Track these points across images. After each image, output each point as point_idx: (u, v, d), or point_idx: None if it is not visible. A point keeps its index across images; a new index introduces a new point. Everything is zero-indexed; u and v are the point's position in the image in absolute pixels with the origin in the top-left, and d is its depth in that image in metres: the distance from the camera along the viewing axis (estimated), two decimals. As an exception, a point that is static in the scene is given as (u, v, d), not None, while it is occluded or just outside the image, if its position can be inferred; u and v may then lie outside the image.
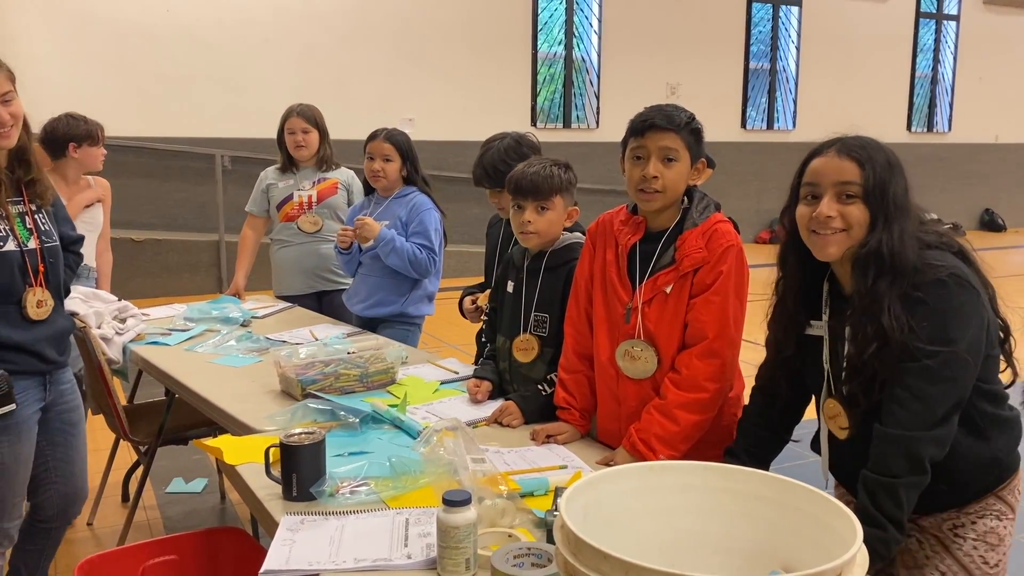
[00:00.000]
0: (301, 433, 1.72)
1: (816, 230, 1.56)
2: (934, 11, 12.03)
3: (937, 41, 12.11)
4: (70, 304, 2.81)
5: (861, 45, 11.22)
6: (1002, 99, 12.36)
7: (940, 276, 1.49)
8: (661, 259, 1.93)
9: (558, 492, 1.58)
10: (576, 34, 9.71)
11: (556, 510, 1.30)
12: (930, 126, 12.20)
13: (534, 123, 9.36)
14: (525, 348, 2.26)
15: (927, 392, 1.48)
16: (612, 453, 1.95)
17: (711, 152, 2.00)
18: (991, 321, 1.56)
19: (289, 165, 3.69)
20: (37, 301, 2.14)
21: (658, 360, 1.94)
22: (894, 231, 1.52)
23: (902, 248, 1.51)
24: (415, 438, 1.97)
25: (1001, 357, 1.62)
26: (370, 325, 3.26)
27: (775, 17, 10.85)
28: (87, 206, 3.35)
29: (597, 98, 9.77)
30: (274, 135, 3.70)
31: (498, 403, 2.23)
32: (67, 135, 3.20)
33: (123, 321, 3.03)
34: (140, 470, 3.06)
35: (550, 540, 1.37)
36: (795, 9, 10.94)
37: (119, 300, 3.12)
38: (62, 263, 2.26)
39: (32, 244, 2.15)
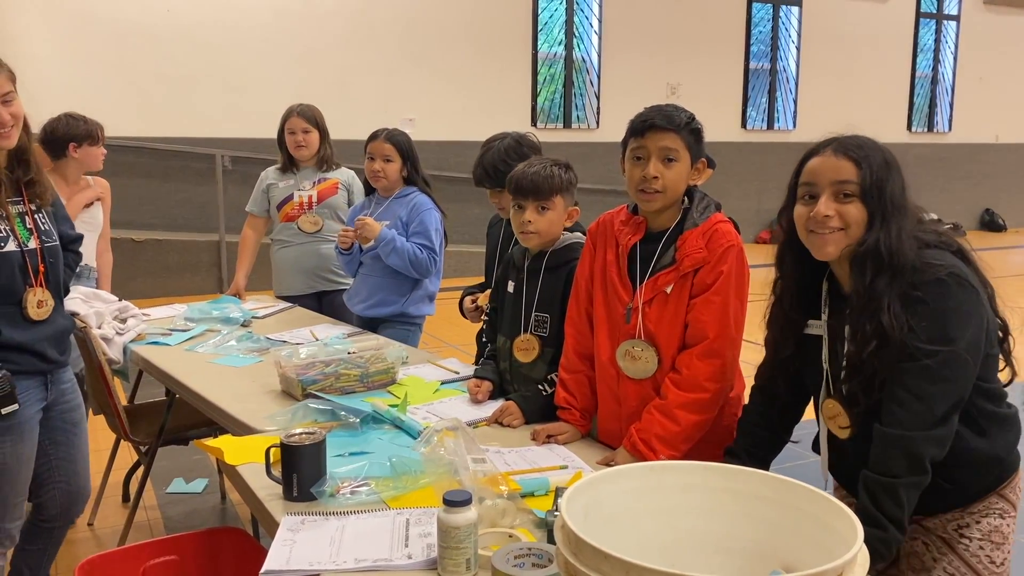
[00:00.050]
0: (302, 433, 1.72)
1: (814, 230, 1.56)
2: (934, 11, 12.03)
3: (937, 41, 12.11)
4: (71, 304, 2.82)
5: (861, 45, 11.22)
6: (1002, 99, 12.36)
7: (940, 275, 1.49)
8: (661, 259, 1.93)
9: (559, 492, 1.58)
10: (576, 34, 9.71)
11: (557, 510, 1.30)
12: (930, 126, 12.20)
13: (534, 123, 9.36)
14: (526, 348, 2.27)
15: (927, 392, 1.48)
16: (613, 453, 1.95)
17: (711, 152, 2.00)
18: (990, 320, 1.56)
19: (289, 165, 3.69)
20: (38, 301, 2.14)
21: (658, 360, 1.94)
22: (892, 230, 1.52)
23: (900, 246, 1.51)
24: (415, 438, 1.97)
25: (1000, 356, 1.62)
26: (371, 325, 3.26)
27: (775, 17, 10.85)
28: (87, 206, 3.34)
29: (597, 98, 9.78)
30: (274, 135, 3.70)
31: (498, 403, 2.23)
32: (67, 135, 3.20)
33: (123, 321, 3.03)
34: (141, 470, 3.06)
35: (551, 540, 1.37)
36: (795, 9, 10.94)
37: (120, 300, 3.12)
38: (62, 263, 2.26)
39: (32, 244, 2.15)
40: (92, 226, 3.38)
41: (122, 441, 3.19)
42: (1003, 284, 1.67)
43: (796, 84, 11.03)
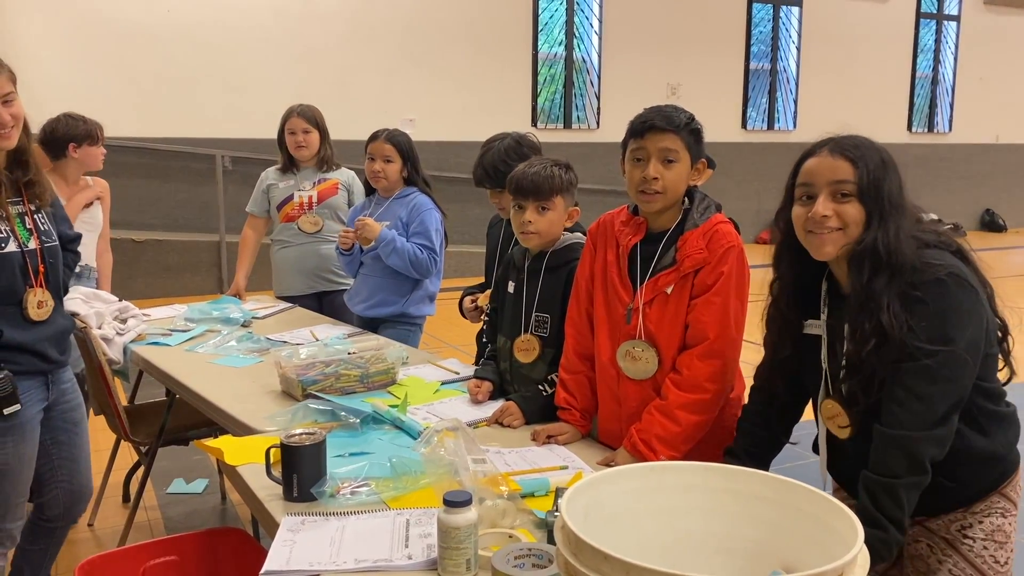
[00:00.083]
0: (302, 433, 1.72)
1: (812, 230, 1.56)
2: (935, 11, 12.03)
3: (938, 41, 12.11)
4: (71, 305, 2.82)
5: (862, 45, 11.22)
6: (1002, 99, 12.36)
7: (939, 275, 1.49)
8: (662, 260, 1.93)
9: (559, 493, 1.58)
10: (576, 34, 9.71)
11: (557, 511, 1.30)
12: (930, 126, 12.20)
13: (535, 123, 9.36)
14: (526, 348, 2.26)
15: (927, 392, 1.48)
16: (613, 454, 1.95)
17: (711, 152, 2.00)
18: (990, 320, 1.56)
19: (290, 165, 3.69)
20: (38, 302, 2.14)
21: (659, 361, 1.94)
22: (890, 228, 1.52)
23: (898, 245, 1.51)
24: (416, 438, 1.97)
25: (999, 356, 1.62)
26: (371, 325, 3.27)
27: (775, 17, 10.85)
28: (87, 206, 3.34)
29: (598, 98, 9.78)
30: (275, 135, 3.70)
31: (499, 403, 2.23)
32: (67, 135, 3.19)
33: (124, 321, 3.03)
34: (141, 471, 3.06)
35: (551, 541, 1.37)
36: (795, 9, 10.94)
37: (120, 300, 3.12)
38: (61, 263, 2.26)
39: (32, 244, 2.15)
40: (92, 226, 3.38)
41: (122, 441, 3.19)
42: (1003, 284, 1.67)
43: (796, 84, 11.03)
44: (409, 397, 2.26)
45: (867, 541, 1.15)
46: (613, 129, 7.97)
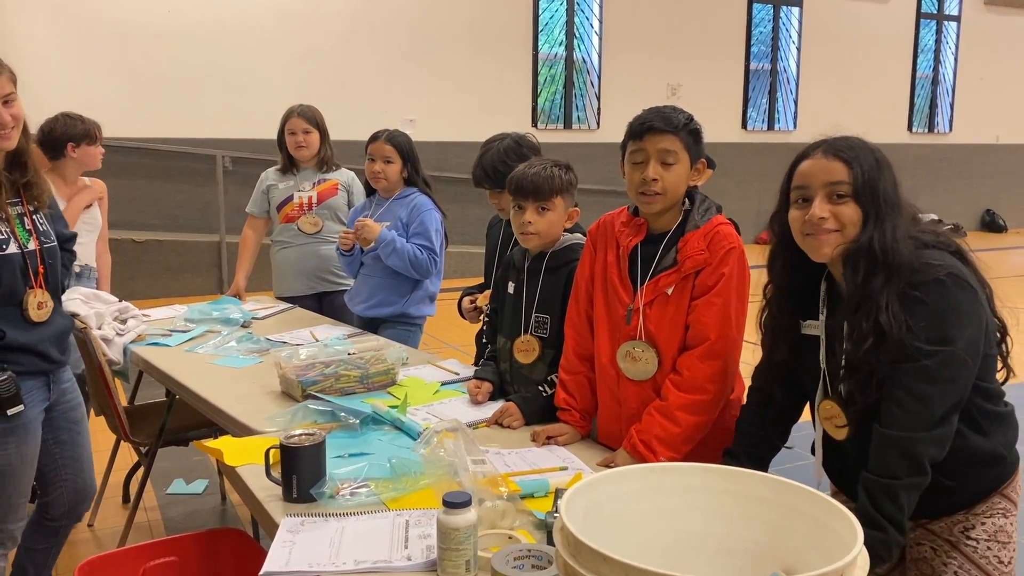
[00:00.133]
0: (301, 434, 1.72)
1: (810, 232, 1.56)
2: (935, 12, 12.03)
3: (938, 42, 12.11)
4: (71, 305, 2.82)
5: (862, 46, 11.22)
6: (1003, 100, 12.36)
7: (939, 276, 1.49)
8: (663, 261, 1.93)
9: (558, 494, 1.58)
10: (577, 35, 9.71)
11: (556, 512, 1.30)
12: (931, 127, 12.20)
13: (535, 124, 9.36)
14: (526, 349, 2.26)
15: (926, 392, 1.48)
16: (613, 454, 1.95)
17: (711, 153, 2.00)
18: (989, 321, 1.56)
19: (290, 166, 3.69)
20: (38, 303, 2.14)
21: (659, 361, 1.94)
22: (886, 228, 1.52)
23: (895, 244, 1.51)
24: (415, 439, 1.97)
25: (998, 356, 1.62)
26: (371, 325, 3.27)
27: (776, 18, 10.84)
28: (87, 206, 3.34)
29: (598, 99, 9.78)
30: (275, 136, 3.70)
31: (498, 404, 2.23)
32: (65, 135, 3.19)
33: (124, 322, 3.03)
34: (141, 471, 3.06)
35: (550, 542, 1.37)
36: (796, 10, 10.94)
37: (120, 301, 3.12)
38: (60, 263, 2.26)
39: (32, 246, 2.15)
40: (92, 226, 3.38)
41: (122, 442, 3.18)
42: (1004, 284, 1.67)
43: (796, 85, 11.03)
44: (409, 398, 2.26)
45: (867, 542, 1.15)
46: (613, 130, 7.95)
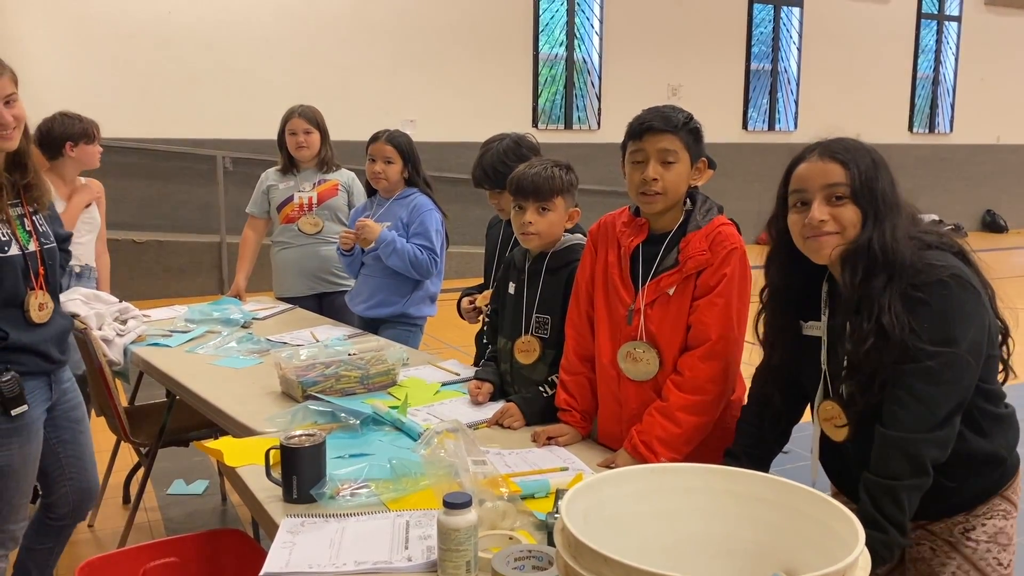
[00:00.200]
0: (301, 435, 1.72)
1: (810, 236, 1.56)
2: (935, 12, 12.03)
3: (938, 42, 12.11)
4: (72, 306, 2.82)
5: (862, 46, 11.22)
6: (1003, 100, 12.36)
7: (942, 276, 1.49)
8: (664, 261, 1.92)
9: (559, 494, 1.57)
10: (577, 35, 9.72)
11: (557, 512, 1.30)
12: (932, 127, 12.20)
13: (535, 124, 9.36)
14: (526, 350, 2.26)
15: (928, 393, 1.48)
16: (613, 455, 1.95)
17: (712, 153, 1.99)
18: (991, 322, 1.56)
19: (290, 166, 3.69)
20: (39, 304, 2.14)
21: (660, 362, 1.93)
22: (885, 228, 1.52)
23: (895, 244, 1.51)
24: (416, 440, 1.96)
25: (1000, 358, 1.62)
26: (372, 326, 3.27)
27: (776, 18, 10.85)
28: (86, 206, 3.34)
29: (598, 99, 9.78)
30: (275, 136, 3.69)
31: (499, 405, 2.22)
32: (63, 134, 3.18)
33: (124, 323, 3.03)
34: (141, 472, 3.06)
35: (551, 543, 1.37)
36: (796, 10, 10.94)
37: (120, 301, 3.12)
38: (59, 264, 2.26)
39: (32, 247, 2.15)
40: (92, 226, 3.38)
41: (122, 443, 3.18)
42: (1004, 285, 1.66)
43: (797, 85, 11.03)
44: (409, 398, 2.26)
45: (868, 543, 1.15)
46: (614, 130, 7.95)
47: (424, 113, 8.56)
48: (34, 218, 2.18)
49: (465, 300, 2.84)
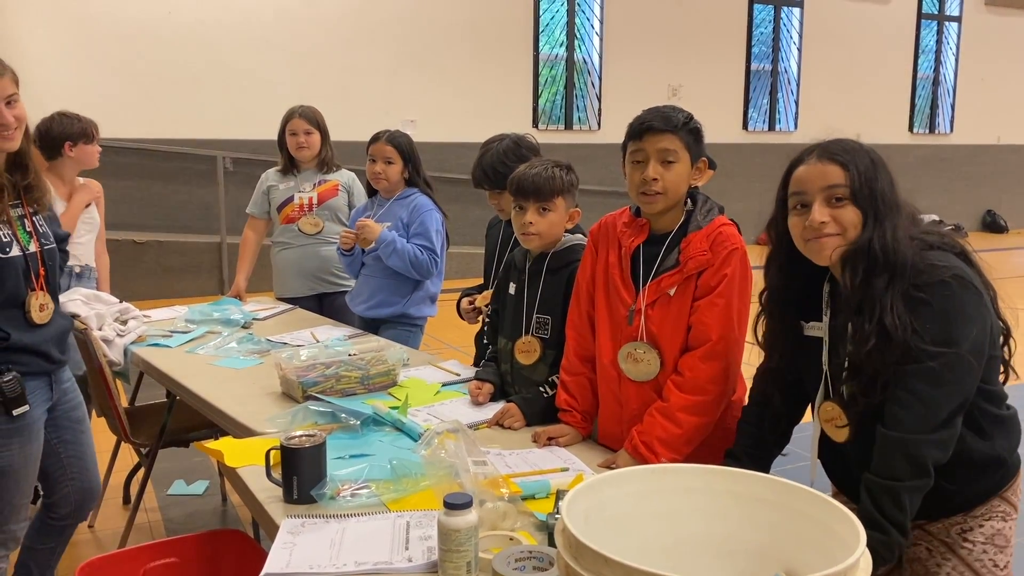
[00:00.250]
0: (302, 435, 1.72)
1: (811, 238, 1.56)
2: (936, 12, 12.02)
3: (939, 42, 12.10)
4: (72, 306, 2.82)
5: (863, 46, 11.22)
6: (1004, 100, 12.36)
7: (943, 277, 1.49)
8: (665, 261, 1.92)
9: (560, 495, 1.57)
10: (577, 36, 9.71)
11: (558, 513, 1.30)
12: (932, 127, 12.20)
13: (536, 125, 9.36)
14: (527, 350, 2.26)
15: (930, 394, 1.48)
16: (614, 456, 1.95)
17: (712, 153, 1.99)
18: (993, 323, 1.56)
19: (290, 167, 3.69)
20: (39, 305, 2.14)
21: (661, 362, 1.93)
22: (886, 228, 1.51)
23: (895, 244, 1.50)
24: (416, 440, 1.96)
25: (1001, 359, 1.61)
26: (372, 326, 3.27)
27: (776, 18, 10.85)
28: (85, 206, 3.34)
29: (599, 100, 9.78)
30: (275, 137, 3.69)
31: (499, 405, 2.22)
32: (62, 134, 3.18)
33: (124, 323, 3.03)
34: (141, 472, 3.06)
35: (551, 543, 1.37)
36: (796, 10, 10.94)
37: (120, 302, 3.12)
38: (58, 265, 2.26)
39: (33, 248, 2.15)
40: (91, 226, 3.37)
41: (123, 443, 3.18)
42: (1005, 285, 1.66)
43: (797, 85, 11.02)
44: (410, 399, 2.25)
45: (869, 544, 1.14)
46: (614, 130, 7.97)
47: (424, 113, 8.56)
48: (34, 219, 2.18)
49: (464, 300, 2.84)
